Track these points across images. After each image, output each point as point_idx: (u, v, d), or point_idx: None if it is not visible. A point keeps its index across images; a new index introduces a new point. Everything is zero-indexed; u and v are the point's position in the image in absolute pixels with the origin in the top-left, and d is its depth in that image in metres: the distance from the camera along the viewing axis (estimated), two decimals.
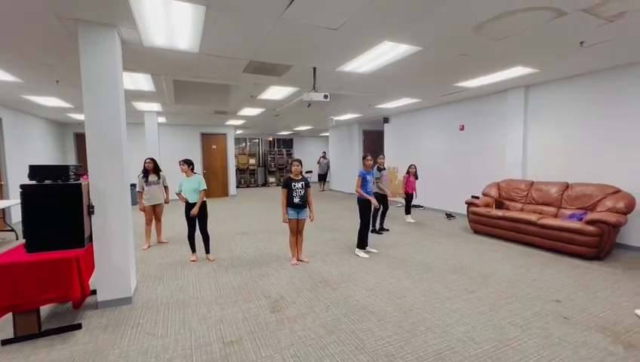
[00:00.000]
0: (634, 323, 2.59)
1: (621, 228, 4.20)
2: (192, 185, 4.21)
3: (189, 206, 4.22)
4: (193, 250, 4.38)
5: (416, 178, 6.77)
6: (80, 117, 8.25)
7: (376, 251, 4.60)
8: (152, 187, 4.98)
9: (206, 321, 2.72)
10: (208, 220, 4.38)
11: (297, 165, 4.06)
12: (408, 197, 6.74)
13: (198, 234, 4.32)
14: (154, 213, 5.07)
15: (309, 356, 2.23)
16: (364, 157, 4.56)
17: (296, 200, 3.97)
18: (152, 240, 5.21)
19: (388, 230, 5.90)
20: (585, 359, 2.15)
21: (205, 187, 4.27)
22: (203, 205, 4.25)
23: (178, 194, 4.29)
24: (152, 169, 5.00)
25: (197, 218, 4.23)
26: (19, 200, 2.64)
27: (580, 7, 2.69)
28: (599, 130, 4.76)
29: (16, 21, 2.80)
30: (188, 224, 4.27)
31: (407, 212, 6.82)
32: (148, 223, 5.05)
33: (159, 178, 5.06)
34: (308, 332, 2.52)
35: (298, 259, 4.22)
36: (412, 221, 6.71)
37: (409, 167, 6.77)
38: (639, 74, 4.31)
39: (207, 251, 4.42)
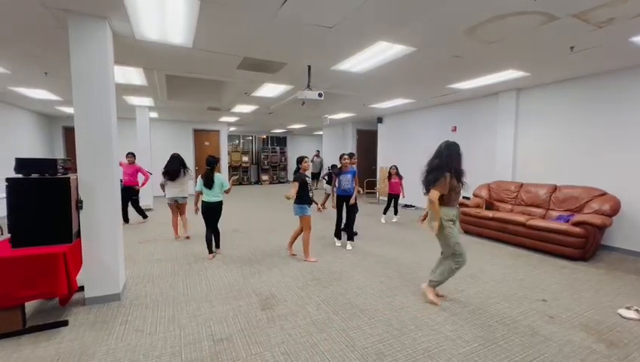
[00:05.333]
0: (616, 322, 2.67)
1: (606, 230, 4.31)
2: (216, 183, 4.26)
3: (203, 205, 4.25)
4: (210, 250, 4.35)
5: (400, 178, 6.69)
6: (69, 110, 8.07)
7: (350, 248, 4.73)
8: (172, 183, 5.04)
9: (196, 318, 2.70)
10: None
11: (307, 162, 4.13)
12: (389, 199, 6.74)
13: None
14: (177, 208, 5.15)
15: (300, 354, 2.23)
16: (340, 157, 4.85)
17: (311, 194, 4.12)
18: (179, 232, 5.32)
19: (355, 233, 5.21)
20: (569, 357, 2.20)
21: (229, 186, 4.39)
22: (220, 205, 4.33)
23: (198, 192, 4.31)
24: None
25: (208, 218, 4.28)
26: (4, 194, 2.57)
27: (570, 12, 2.75)
28: (587, 134, 4.87)
29: (0, 9, 2.73)
30: (206, 224, 4.34)
31: (384, 212, 6.80)
32: (173, 217, 5.18)
33: (184, 174, 5.12)
34: (298, 330, 2.53)
35: (291, 252, 4.38)
36: (383, 221, 6.65)
37: (390, 169, 6.76)
38: (628, 80, 4.42)
39: (217, 245, 4.50)
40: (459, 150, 2.89)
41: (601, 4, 2.59)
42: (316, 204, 4.26)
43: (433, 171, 2.86)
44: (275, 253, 4.46)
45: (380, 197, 9.73)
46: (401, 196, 6.72)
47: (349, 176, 4.71)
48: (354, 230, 4.97)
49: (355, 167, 4.92)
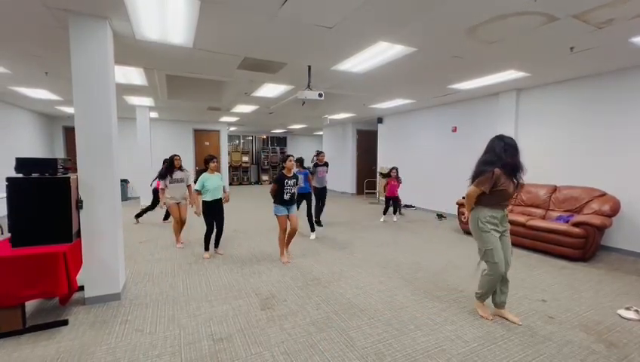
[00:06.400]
0: (616, 322, 2.67)
1: (606, 231, 4.31)
2: (218, 182, 4.24)
3: (209, 205, 4.19)
4: (208, 248, 4.33)
5: (399, 182, 6.70)
6: (70, 110, 8.09)
7: (312, 237, 5.26)
8: (176, 184, 4.74)
9: (196, 318, 2.71)
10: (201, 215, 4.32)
11: (292, 160, 4.09)
12: (387, 201, 6.77)
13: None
14: (179, 211, 4.78)
15: (299, 353, 2.23)
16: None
17: (287, 196, 4.00)
18: (164, 238, 5.11)
19: (322, 225, 6.19)
20: (568, 357, 2.20)
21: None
22: (222, 203, 4.32)
23: (198, 192, 4.19)
24: (179, 166, 4.86)
25: (217, 217, 4.26)
26: (4, 194, 2.57)
27: (570, 13, 2.75)
28: (587, 134, 4.87)
29: (1, 8, 2.73)
30: (207, 223, 4.26)
31: (385, 212, 6.87)
32: (177, 222, 4.77)
33: (184, 175, 4.87)
34: (298, 330, 2.53)
35: (282, 255, 4.20)
36: (382, 220, 6.71)
37: (390, 170, 6.76)
38: (628, 80, 4.42)
39: (217, 246, 4.48)
40: (514, 143, 2.53)
41: (600, 4, 2.59)
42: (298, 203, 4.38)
43: (480, 166, 2.58)
44: (275, 253, 4.46)
45: (380, 198, 9.73)
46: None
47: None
48: (317, 221, 5.75)
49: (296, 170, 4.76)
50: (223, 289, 3.31)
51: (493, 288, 2.67)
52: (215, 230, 4.35)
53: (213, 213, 4.25)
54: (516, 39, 3.35)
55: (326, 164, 6.11)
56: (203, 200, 4.20)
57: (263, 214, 7.52)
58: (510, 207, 5.43)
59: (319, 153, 6.18)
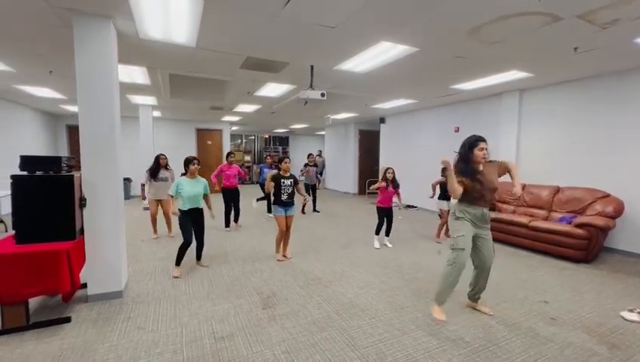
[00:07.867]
0: (618, 324, 2.65)
1: (609, 232, 4.29)
2: (198, 189, 3.69)
3: (186, 214, 3.63)
4: (180, 263, 3.66)
5: (396, 186, 4.72)
6: (73, 108, 8.12)
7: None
8: (161, 183, 5.05)
9: (197, 316, 2.72)
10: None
11: (288, 162, 4.09)
12: (380, 214, 4.80)
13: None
14: (160, 207, 5.15)
15: (300, 352, 2.24)
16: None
17: (284, 197, 4.01)
18: (161, 232, 5.35)
19: (319, 211, 7.67)
20: (570, 359, 2.19)
21: (209, 192, 3.88)
22: (202, 212, 3.81)
23: (173, 197, 3.63)
24: (165, 165, 5.16)
25: (196, 226, 3.74)
26: (8, 192, 2.59)
27: (574, 13, 2.74)
28: (590, 134, 4.84)
29: (5, 8, 2.75)
30: (183, 235, 3.63)
31: (378, 231, 4.86)
32: (153, 217, 5.17)
33: (169, 175, 5.18)
34: (299, 329, 2.53)
35: (283, 255, 4.25)
36: (377, 246, 4.79)
37: (385, 172, 4.72)
38: (632, 81, 4.39)
39: (199, 258, 3.98)
40: (469, 140, 2.72)
41: (605, 5, 2.58)
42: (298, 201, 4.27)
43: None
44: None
45: None
46: (396, 209, 4.95)
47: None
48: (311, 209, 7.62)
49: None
50: (224, 287, 3.32)
51: (454, 283, 2.64)
52: (195, 242, 3.81)
53: (191, 223, 3.66)
54: (519, 39, 3.33)
55: (315, 165, 7.74)
56: (179, 209, 3.62)
57: (264, 213, 7.52)
58: (513, 208, 5.41)
59: (309, 155, 8.03)
